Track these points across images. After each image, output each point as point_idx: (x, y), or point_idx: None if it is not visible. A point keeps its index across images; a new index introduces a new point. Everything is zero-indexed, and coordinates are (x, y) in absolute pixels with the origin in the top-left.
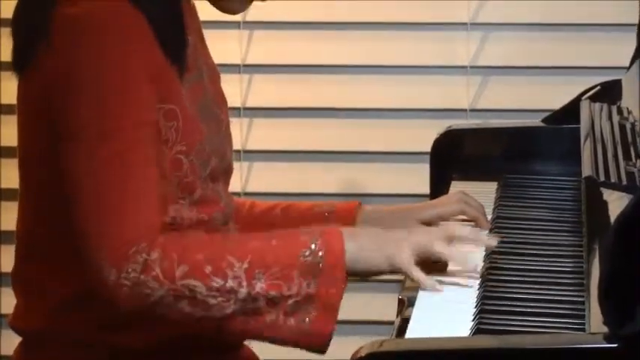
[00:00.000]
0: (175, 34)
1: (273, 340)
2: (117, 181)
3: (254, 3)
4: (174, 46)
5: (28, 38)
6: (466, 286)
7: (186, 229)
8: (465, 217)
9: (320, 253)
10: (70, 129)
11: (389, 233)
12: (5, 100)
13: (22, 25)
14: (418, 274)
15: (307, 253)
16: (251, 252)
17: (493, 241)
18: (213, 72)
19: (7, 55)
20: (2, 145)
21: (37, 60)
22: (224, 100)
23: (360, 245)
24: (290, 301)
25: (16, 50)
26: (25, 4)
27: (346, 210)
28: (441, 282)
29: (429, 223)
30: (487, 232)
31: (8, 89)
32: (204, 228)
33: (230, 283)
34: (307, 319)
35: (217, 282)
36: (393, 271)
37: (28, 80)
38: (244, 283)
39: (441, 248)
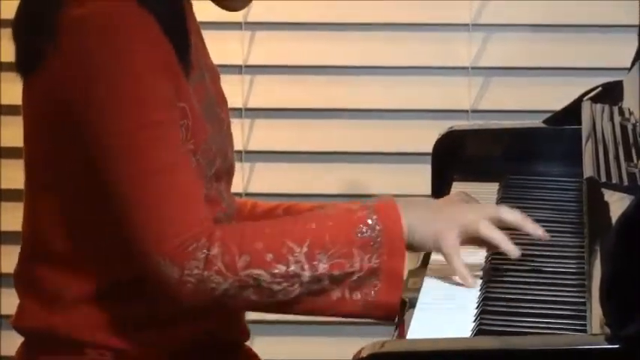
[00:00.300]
0: (180, 34)
1: (343, 315)
2: (160, 182)
3: (256, 2)
4: (180, 45)
5: (33, 40)
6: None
7: None
8: None
9: (378, 227)
10: (98, 138)
11: (441, 208)
12: (5, 101)
13: (25, 27)
14: (459, 266)
15: (365, 229)
16: (309, 234)
17: (541, 232)
18: (213, 72)
19: (7, 56)
20: (3, 145)
21: (43, 62)
22: (224, 100)
23: (415, 217)
24: (354, 277)
25: (21, 52)
26: (28, 5)
27: None
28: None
29: None
30: None
31: (8, 90)
32: None
33: (293, 268)
34: (373, 292)
35: (280, 268)
36: (437, 251)
37: (35, 82)
38: (306, 266)
39: (488, 232)
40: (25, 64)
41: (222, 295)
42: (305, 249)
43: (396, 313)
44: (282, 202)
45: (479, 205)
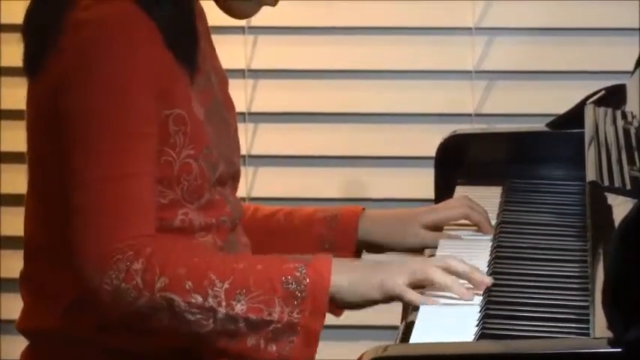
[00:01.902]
0: (187, 38)
1: None
2: (113, 190)
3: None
4: (186, 49)
5: (40, 42)
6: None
7: (196, 233)
8: (468, 222)
9: (304, 282)
10: (70, 135)
11: (383, 263)
12: (5, 106)
13: (34, 29)
14: (412, 295)
15: (291, 281)
16: (234, 273)
17: (488, 280)
18: (222, 77)
19: (7, 61)
20: (3, 150)
21: (46, 63)
22: (232, 105)
23: (349, 277)
24: (271, 327)
25: (28, 54)
26: (36, 8)
27: (349, 215)
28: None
29: (432, 227)
30: (490, 237)
31: (8, 95)
32: (214, 232)
33: (210, 302)
34: (288, 347)
35: (196, 299)
36: (387, 299)
37: (37, 84)
38: (224, 303)
39: (438, 276)
40: (29, 67)
41: (137, 311)
42: (226, 285)
43: None
44: (284, 207)
45: (428, 258)
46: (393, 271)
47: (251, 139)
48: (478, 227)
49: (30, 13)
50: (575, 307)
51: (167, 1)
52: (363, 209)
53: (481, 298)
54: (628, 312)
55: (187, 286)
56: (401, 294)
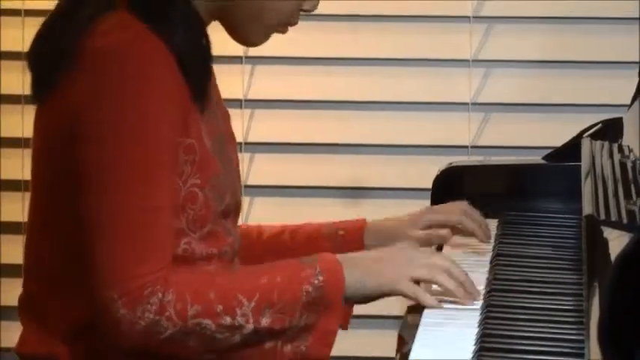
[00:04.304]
0: (201, 67)
1: None
2: (135, 223)
3: None
4: (199, 79)
5: (52, 67)
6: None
7: (197, 262)
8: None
9: (322, 288)
10: (87, 170)
11: (387, 255)
12: (5, 134)
13: (45, 54)
14: (419, 293)
15: (310, 289)
16: (259, 289)
17: (477, 296)
18: (224, 110)
19: (7, 88)
20: (3, 178)
21: (59, 88)
22: (234, 139)
23: (360, 275)
24: (289, 332)
25: (38, 81)
26: (49, 34)
27: (354, 230)
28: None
29: (428, 228)
30: (488, 243)
31: (8, 122)
32: (215, 262)
33: (238, 321)
34: (304, 346)
35: (226, 320)
36: (394, 294)
37: (48, 109)
38: (251, 320)
39: (444, 280)
40: (38, 92)
41: (166, 340)
42: (253, 304)
43: None
44: (287, 225)
45: (430, 254)
46: (402, 268)
47: (247, 169)
48: (473, 235)
49: (40, 39)
50: (570, 341)
51: (181, 27)
52: (365, 221)
53: (477, 329)
54: (623, 347)
55: (218, 310)
56: (410, 292)
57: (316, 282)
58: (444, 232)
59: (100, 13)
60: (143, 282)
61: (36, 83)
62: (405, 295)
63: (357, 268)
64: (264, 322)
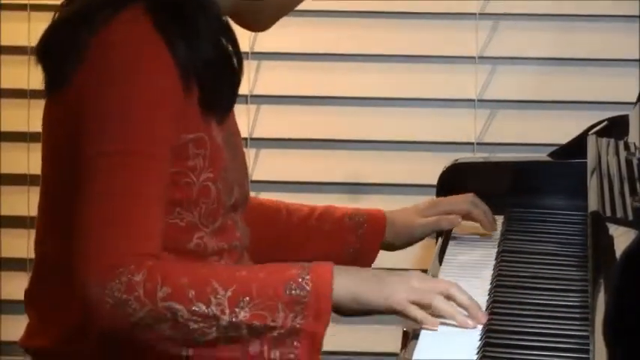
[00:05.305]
0: (216, 73)
1: None
2: (121, 205)
3: (262, 32)
4: (216, 86)
5: (63, 61)
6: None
7: (209, 257)
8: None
9: (307, 287)
10: (86, 150)
11: (386, 275)
12: (5, 128)
13: (57, 49)
14: (417, 312)
15: (294, 287)
16: (237, 280)
17: (483, 319)
18: None
19: (7, 82)
20: (3, 172)
21: (67, 83)
22: (239, 132)
23: (353, 284)
24: (274, 333)
25: (49, 74)
26: (59, 29)
27: (376, 224)
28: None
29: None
30: (494, 233)
31: (13, 116)
32: (225, 257)
33: (213, 310)
34: (292, 354)
35: (199, 307)
36: (389, 312)
37: (58, 104)
38: (227, 311)
39: (442, 305)
40: (50, 86)
41: (137, 324)
42: (229, 293)
43: None
44: (316, 206)
45: (430, 280)
46: (399, 287)
47: (253, 165)
48: (480, 224)
49: (50, 36)
50: (575, 337)
51: (193, 29)
52: (384, 214)
53: (482, 327)
54: (628, 343)
55: (190, 295)
56: (406, 310)
57: (301, 280)
58: (453, 216)
59: (117, 10)
60: (116, 261)
61: (48, 77)
62: (399, 312)
63: (351, 277)
64: (242, 315)
